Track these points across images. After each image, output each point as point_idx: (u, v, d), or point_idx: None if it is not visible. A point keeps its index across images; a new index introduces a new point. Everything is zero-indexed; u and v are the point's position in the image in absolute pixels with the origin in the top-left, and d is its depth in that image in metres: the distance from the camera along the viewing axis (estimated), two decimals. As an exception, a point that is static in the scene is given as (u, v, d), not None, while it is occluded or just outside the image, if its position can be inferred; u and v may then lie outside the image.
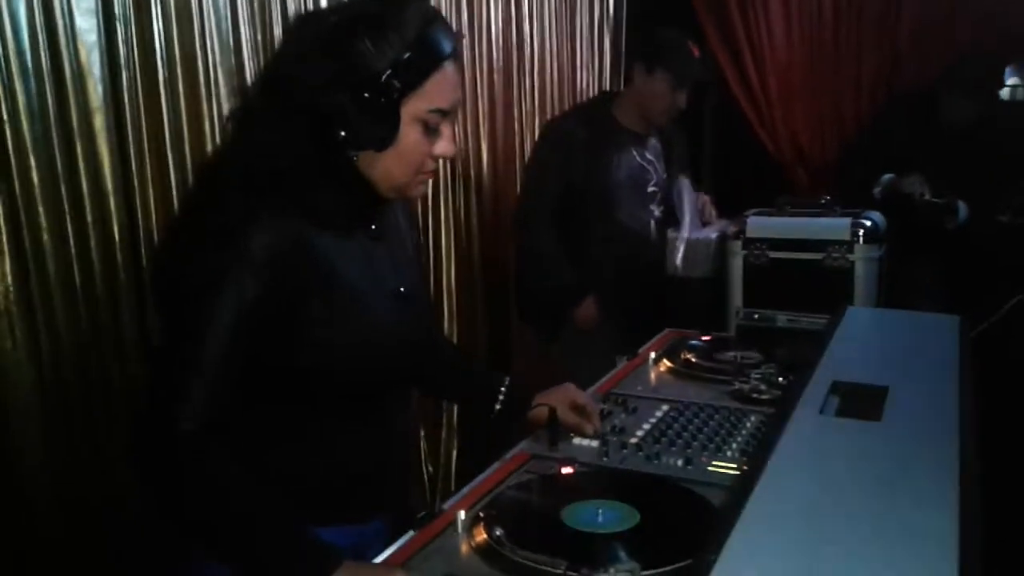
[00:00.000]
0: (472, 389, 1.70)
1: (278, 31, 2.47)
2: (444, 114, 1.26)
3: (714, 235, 2.92)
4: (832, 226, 2.73)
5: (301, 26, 1.25)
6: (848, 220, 2.73)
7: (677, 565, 1.14)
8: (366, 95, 1.19)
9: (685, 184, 2.99)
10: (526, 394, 1.65)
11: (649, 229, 2.99)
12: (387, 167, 1.26)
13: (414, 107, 1.23)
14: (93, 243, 2.01)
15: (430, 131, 1.26)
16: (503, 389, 1.64)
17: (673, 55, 2.85)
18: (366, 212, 1.34)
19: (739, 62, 4.28)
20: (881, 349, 1.92)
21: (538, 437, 1.64)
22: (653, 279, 2.99)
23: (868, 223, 2.72)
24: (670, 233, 2.99)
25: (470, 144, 3.44)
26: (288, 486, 1.25)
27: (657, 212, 3.01)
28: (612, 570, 1.09)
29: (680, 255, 2.93)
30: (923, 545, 1.03)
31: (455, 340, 3.33)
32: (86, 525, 2.01)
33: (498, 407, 1.64)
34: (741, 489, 1.19)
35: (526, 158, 3.59)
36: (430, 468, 3.39)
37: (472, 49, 3.40)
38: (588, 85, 4.26)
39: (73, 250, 1.97)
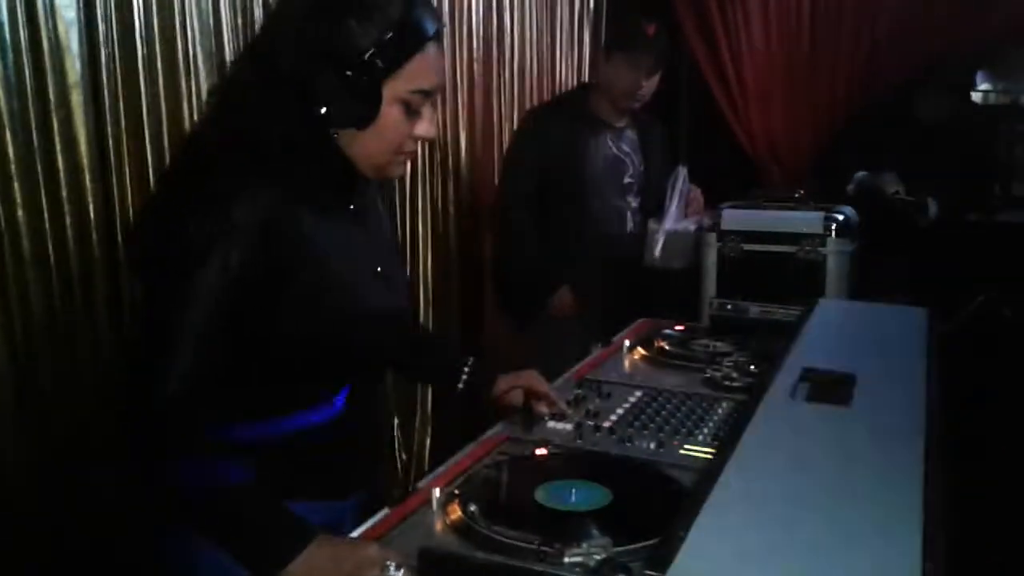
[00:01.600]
0: (436, 368, 1.71)
1: (258, 12, 2.46)
2: (426, 95, 1.27)
3: (693, 227, 2.94)
4: (805, 220, 2.75)
5: (288, 1, 1.25)
6: (821, 214, 2.75)
7: (648, 542, 1.16)
8: (348, 73, 1.20)
9: (681, 173, 2.99)
10: (491, 375, 1.66)
11: (625, 219, 3.01)
12: (367, 145, 1.27)
13: (396, 87, 1.23)
14: (68, 219, 2.00)
15: (411, 112, 1.27)
16: (467, 370, 1.65)
17: (626, 36, 2.88)
18: (346, 190, 1.34)
19: (716, 57, 4.30)
20: (851, 339, 1.95)
21: (513, 420, 1.65)
22: (629, 269, 3.01)
23: (840, 217, 2.76)
24: (650, 224, 3.00)
25: (449, 133, 3.44)
26: (263, 459, 1.25)
27: (634, 203, 3.03)
28: (584, 546, 1.11)
29: (659, 246, 2.94)
30: (889, 524, 1.06)
31: (430, 326, 3.33)
32: (61, 500, 2.00)
33: (460, 387, 1.64)
34: (712, 469, 1.21)
35: (504, 148, 3.60)
36: (403, 456, 3.39)
37: (452, 38, 3.39)
38: (568, 76, 4.26)
39: (47, 225, 1.96)
